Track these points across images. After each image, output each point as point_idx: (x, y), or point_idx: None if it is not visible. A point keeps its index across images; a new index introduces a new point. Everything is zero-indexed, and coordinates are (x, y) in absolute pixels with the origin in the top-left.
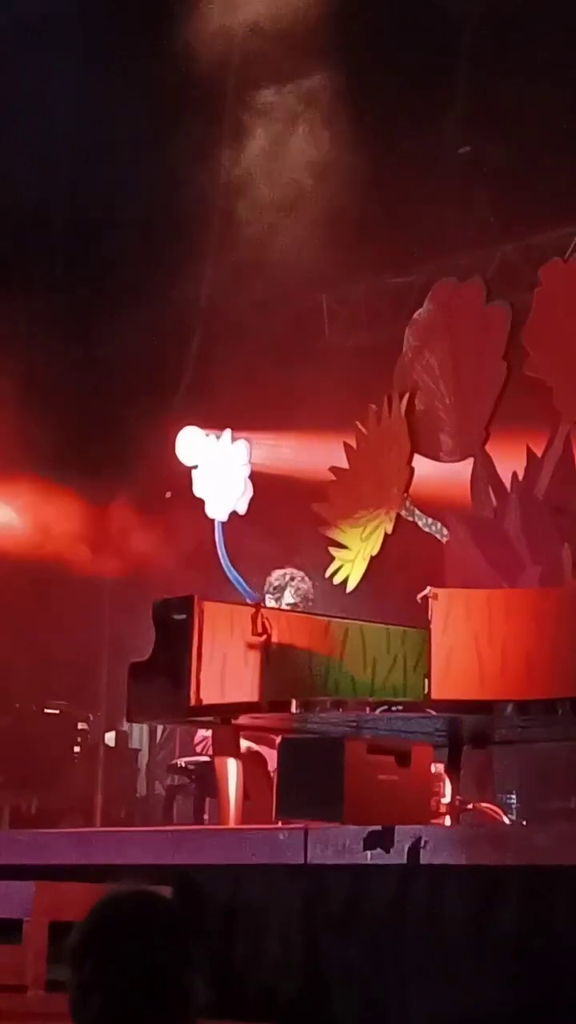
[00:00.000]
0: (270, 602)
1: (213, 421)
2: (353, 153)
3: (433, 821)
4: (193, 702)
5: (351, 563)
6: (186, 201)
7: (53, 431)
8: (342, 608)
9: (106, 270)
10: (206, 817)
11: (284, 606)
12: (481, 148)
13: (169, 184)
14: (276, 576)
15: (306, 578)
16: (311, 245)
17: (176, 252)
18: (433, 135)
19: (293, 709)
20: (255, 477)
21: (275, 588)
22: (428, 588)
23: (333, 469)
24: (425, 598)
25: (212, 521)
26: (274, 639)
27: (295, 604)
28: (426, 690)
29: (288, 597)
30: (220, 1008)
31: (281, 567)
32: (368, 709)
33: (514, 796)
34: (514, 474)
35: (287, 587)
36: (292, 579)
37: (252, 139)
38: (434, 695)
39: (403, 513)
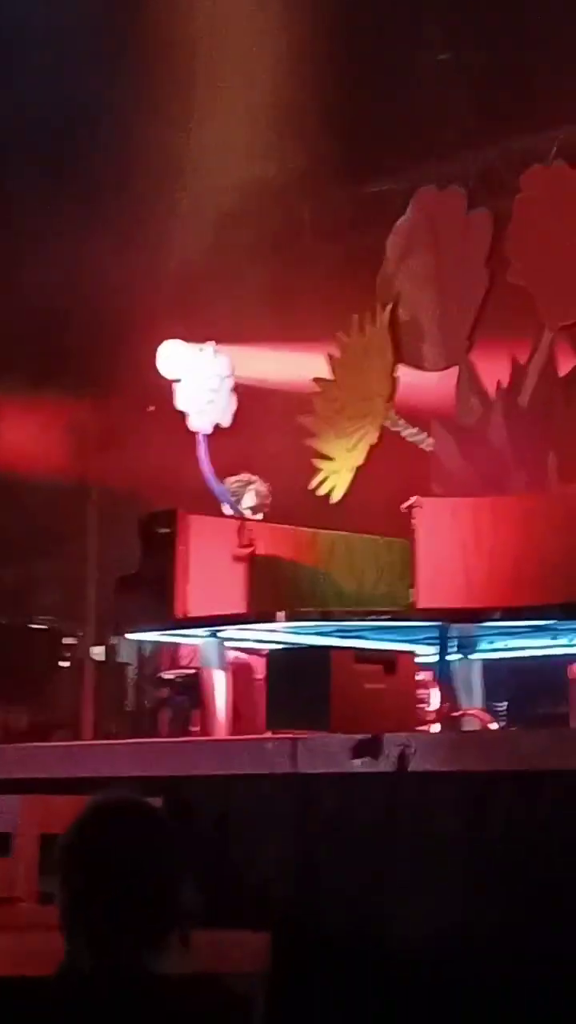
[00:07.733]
0: (228, 510)
1: (195, 334)
2: (333, 61)
3: (421, 728)
4: (179, 614)
5: (336, 474)
6: (162, 112)
7: (34, 345)
8: (327, 520)
9: (85, 180)
10: (195, 729)
11: (244, 510)
12: (461, 53)
13: (142, 93)
14: (232, 482)
15: (262, 480)
16: (289, 154)
17: (154, 164)
18: (413, 40)
19: (279, 620)
20: (238, 389)
21: (233, 494)
22: (414, 498)
23: (317, 380)
24: (411, 508)
25: (196, 434)
26: (260, 551)
27: (254, 507)
28: (412, 599)
29: (247, 501)
30: (212, 916)
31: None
32: (355, 619)
33: (504, 704)
34: (498, 382)
35: (245, 492)
36: (250, 483)
37: (229, 46)
38: (420, 604)
39: (387, 423)
